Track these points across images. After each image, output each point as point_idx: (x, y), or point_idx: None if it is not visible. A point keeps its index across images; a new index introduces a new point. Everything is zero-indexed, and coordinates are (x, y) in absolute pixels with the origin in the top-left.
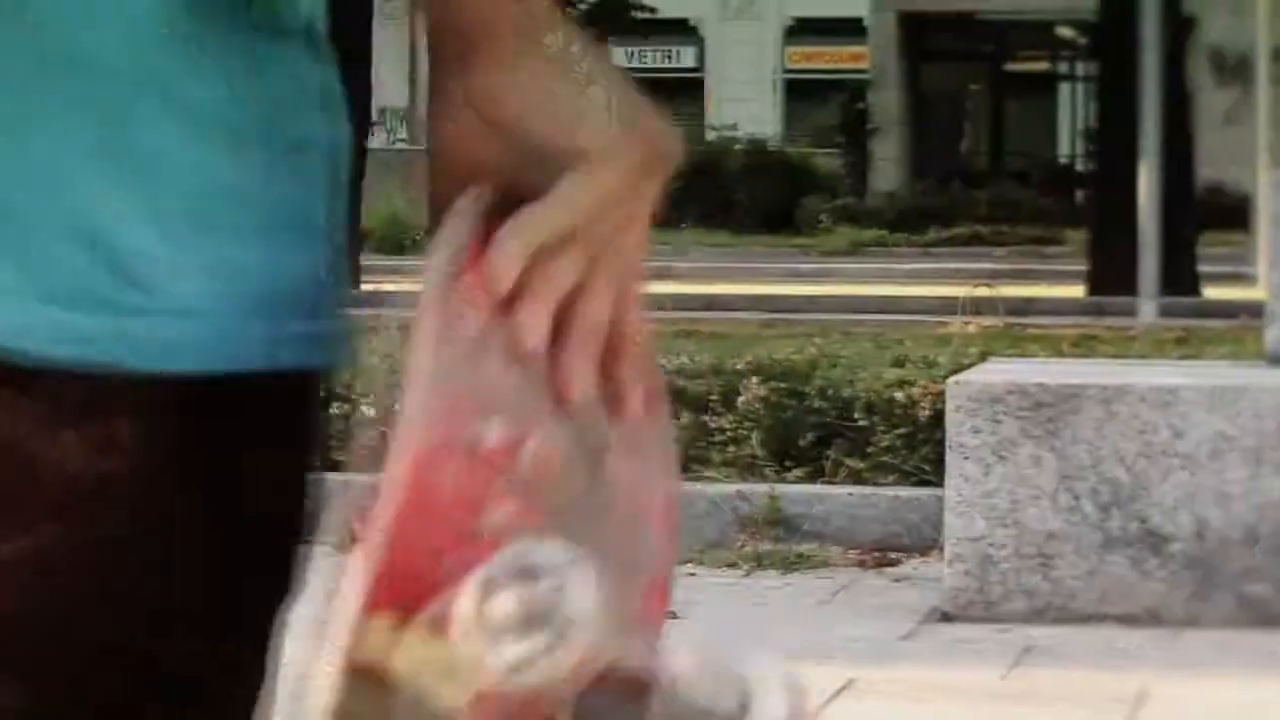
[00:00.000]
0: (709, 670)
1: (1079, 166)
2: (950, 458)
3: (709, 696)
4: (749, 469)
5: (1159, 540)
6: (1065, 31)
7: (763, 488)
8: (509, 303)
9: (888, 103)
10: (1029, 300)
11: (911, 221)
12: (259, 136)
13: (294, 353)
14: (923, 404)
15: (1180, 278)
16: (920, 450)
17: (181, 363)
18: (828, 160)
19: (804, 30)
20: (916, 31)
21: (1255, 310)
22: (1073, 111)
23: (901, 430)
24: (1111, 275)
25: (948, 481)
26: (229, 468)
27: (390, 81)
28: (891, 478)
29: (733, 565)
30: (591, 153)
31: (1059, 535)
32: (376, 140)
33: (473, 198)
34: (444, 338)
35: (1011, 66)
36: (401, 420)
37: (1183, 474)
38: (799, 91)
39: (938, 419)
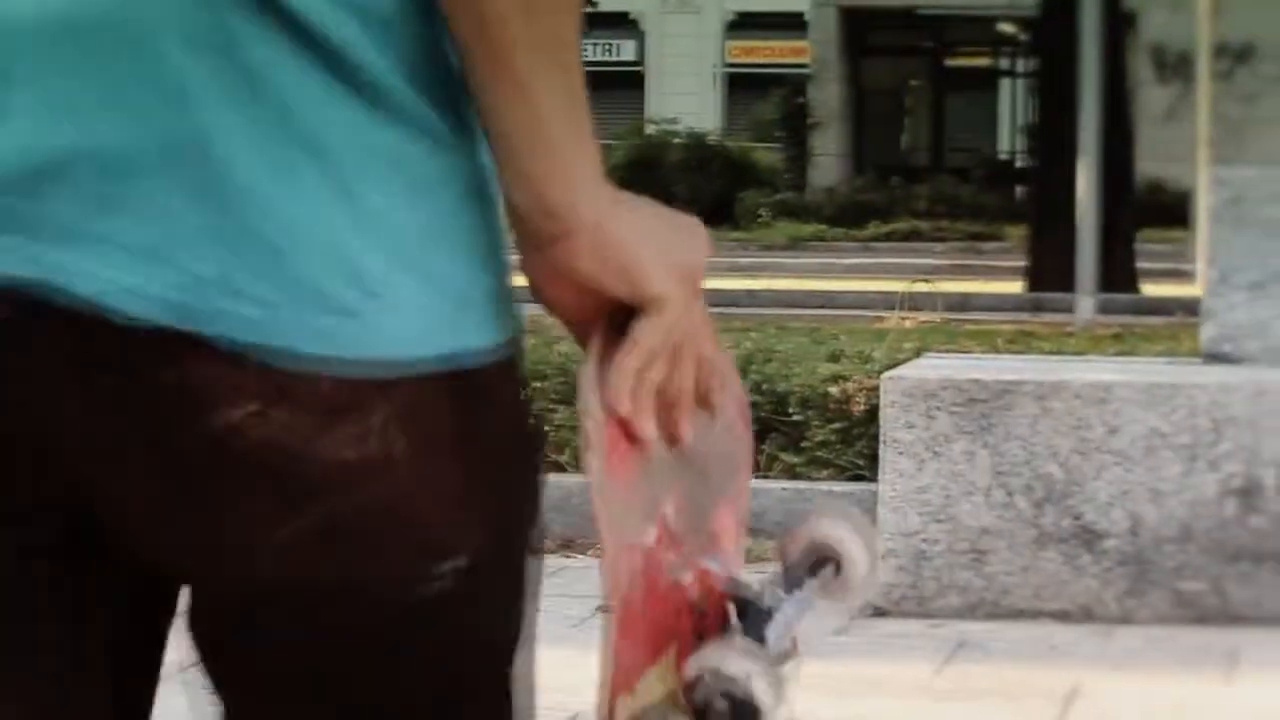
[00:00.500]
0: (804, 543)
1: (1019, 162)
2: (885, 453)
3: (804, 564)
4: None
5: (1093, 536)
6: (1006, 27)
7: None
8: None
9: (828, 97)
10: (967, 296)
11: (851, 216)
12: (452, 185)
13: (478, 352)
14: (858, 399)
15: (1118, 274)
16: (855, 445)
17: (404, 350)
18: (768, 155)
19: (744, 24)
20: (857, 26)
21: (1193, 307)
22: (1013, 107)
23: (836, 425)
24: (1050, 271)
25: (882, 476)
26: (447, 440)
27: None
28: (826, 472)
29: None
30: (660, 298)
31: (993, 531)
32: None
33: (589, 360)
34: (608, 494)
35: (952, 62)
36: (607, 540)
37: (1117, 470)
38: (739, 85)
39: (873, 414)
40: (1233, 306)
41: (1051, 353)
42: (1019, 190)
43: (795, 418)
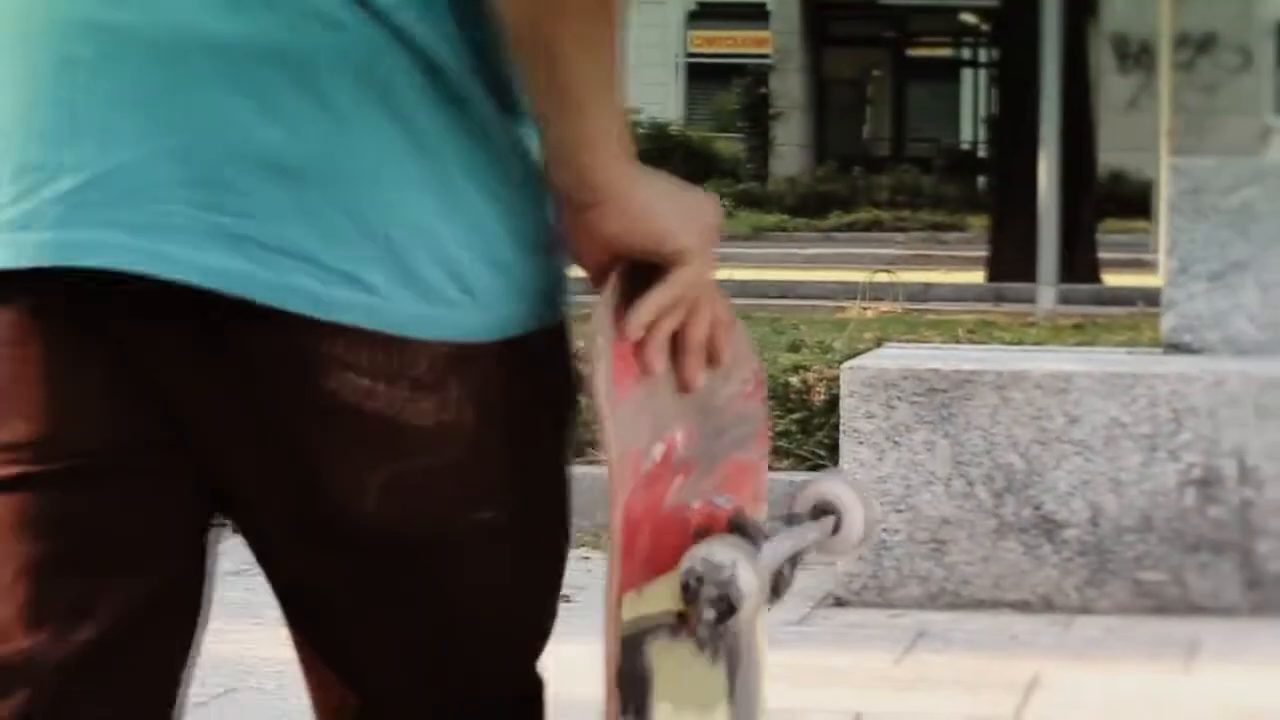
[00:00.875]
0: (809, 497)
1: (981, 152)
2: (845, 443)
3: (821, 529)
4: None
5: (1053, 526)
6: (968, 17)
7: None
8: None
9: (790, 87)
10: (928, 286)
11: (813, 206)
12: (522, 186)
13: (534, 334)
14: (818, 389)
15: (1080, 265)
16: (815, 435)
17: (486, 334)
18: (729, 145)
19: (706, 14)
20: (819, 16)
21: (1154, 298)
22: (975, 97)
23: (796, 415)
24: (1011, 261)
25: (842, 466)
26: (505, 409)
27: None
28: (786, 462)
29: None
30: (682, 253)
31: (953, 521)
32: None
33: (609, 289)
34: (617, 406)
35: (914, 52)
36: (609, 471)
37: (1077, 460)
38: (701, 75)
39: (833, 404)
40: (1192, 297)
41: (1012, 343)
42: (981, 180)
43: None
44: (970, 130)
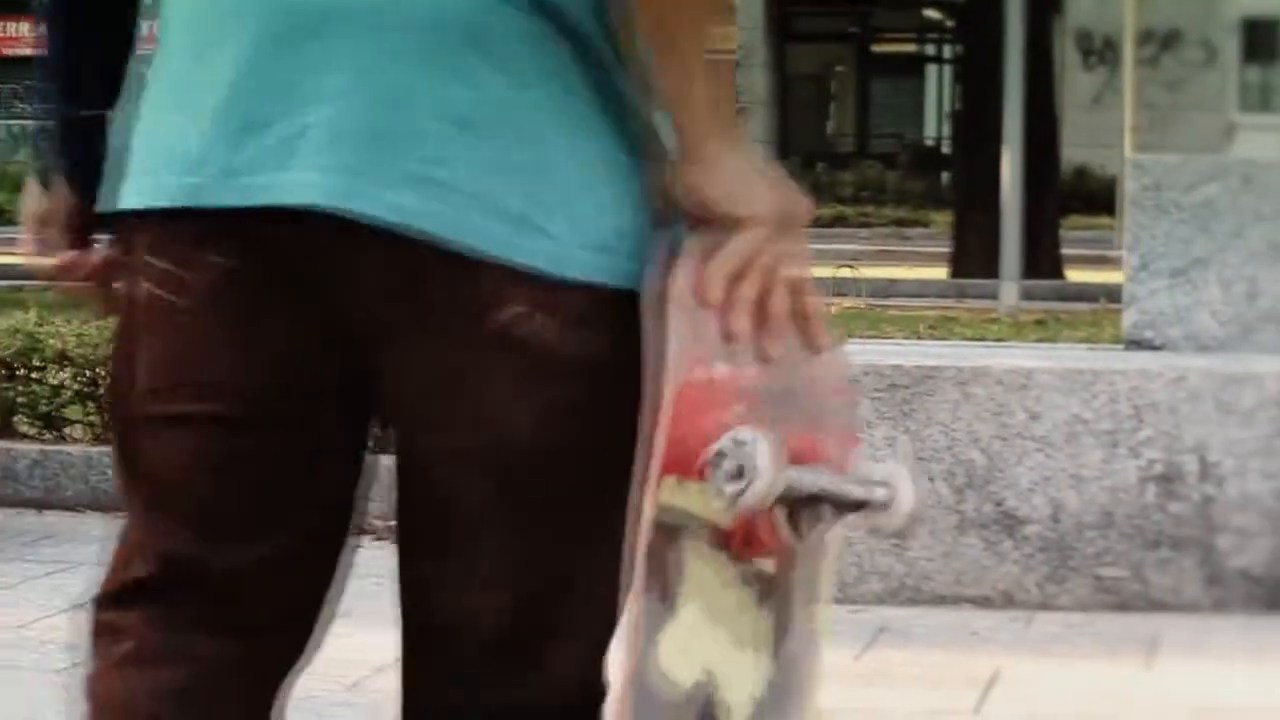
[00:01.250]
0: (864, 475)
1: (945, 149)
2: None
3: (862, 489)
4: None
5: (1014, 522)
6: (932, 13)
7: None
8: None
9: (754, 83)
10: (891, 282)
11: None
12: (625, 144)
13: (641, 289)
14: None
15: (1043, 260)
16: None
17: (631, 282)
18: None
19: None
20: (783, 12)
21: (1116, 294)
22: (939, 93)
23: None
24: (975, 257)
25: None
26: (624, 349)
27: None
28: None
29: None
30: (749, 220)
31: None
32: None
33: (695, 236)
34: (685, 320)
35: (878, 48)
36: (668, 365)
37: (1038, 456)
38: None
39: None
40: (1154, 293)
41: (974, 339)
42: (945, 176)
43: None
44: (934, 126)
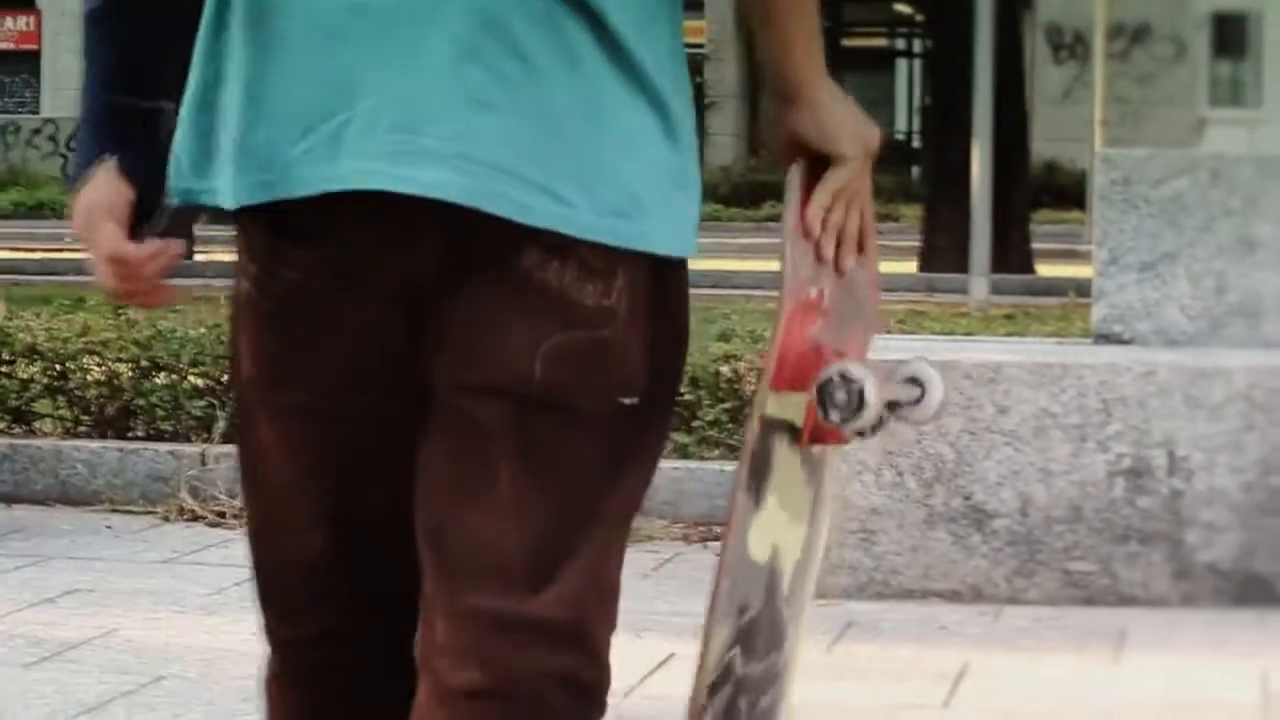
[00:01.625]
0: (903, 371)
1: (915, 143)
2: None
3: (908, 391)
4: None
5: (982, 516)
6: (902, 7)
7: (684, 464)
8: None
9: (724, 77)
10: None
11: (747, 196)
12: (672, 131)
13: (673, 258)
14: (748, 378)
15: (1013, 255)
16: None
17: (645, 246)
18: None
19: None
20: None
21: (1085, 288)
22: (909, 88)
23: (727, 404)
24: (944, 252)
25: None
26: (647, 309)
27: None
28: (717, 452)
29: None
30: (844, 156)
31: (882, 511)
32: None
33: (795, 170)
34: (795, 250)
35: (849, 42)
36: (782, 290)
37: (1006, 450)
38: None
39: None
40: (1123, 287)
41: (942, 333)
42: (915, 171)
43: (686, 397)
44: (904, 121)
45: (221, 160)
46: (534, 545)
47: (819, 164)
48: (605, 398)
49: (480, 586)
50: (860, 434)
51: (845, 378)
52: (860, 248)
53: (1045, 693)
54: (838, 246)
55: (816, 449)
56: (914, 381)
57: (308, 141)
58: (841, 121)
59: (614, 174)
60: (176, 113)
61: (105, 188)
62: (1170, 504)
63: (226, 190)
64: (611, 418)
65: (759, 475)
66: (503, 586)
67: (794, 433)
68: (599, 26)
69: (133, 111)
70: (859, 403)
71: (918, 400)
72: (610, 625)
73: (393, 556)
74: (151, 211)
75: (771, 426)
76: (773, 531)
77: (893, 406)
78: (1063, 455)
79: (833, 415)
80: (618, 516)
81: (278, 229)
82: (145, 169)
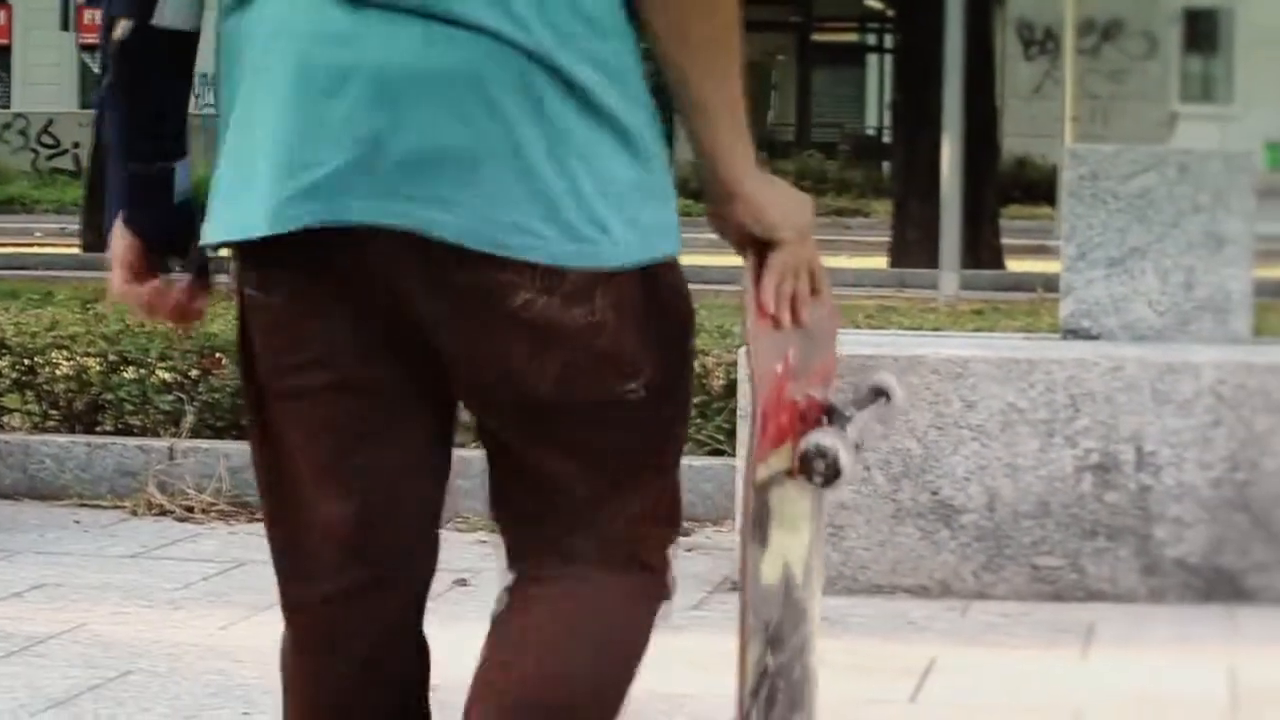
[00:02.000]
0: (868, 384)
1: (886, 138)
2: (743, 428)
3: (868, 397)
4: None
5: (950, 512)
6: (873, 2)
7: None
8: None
9: None
10: (830, 271)
11: None
12: (648, 166)
13: (657, 261)
14: (716, 373)
15: (984, 250)
16: (714, 420)
17: (617, 262)
18: None
19: None
20: None
21: (1054, 284)
22: (880, 83)
23: (695, 399)
24: (914, 247)
25: (740, 451)
26: (638, 313)
27: (199, 47)
28: (685, 447)
29: None
30: (785, 239)
31: (850, 506)
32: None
33: (748, 266)
34: (758, 336)
35: (819, 37)
36: (756, 371)
37: (974, 445)
38: None
39: (731, 388)
40: (1091, 283)
41: (911, 328)
42: (885, 166)
43: None
44: (875, 116)
45: (219, 202)
46: (562, 519)
47: (762, 247)
48: (611, 394)
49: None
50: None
51: (821, 450)
52: (814, 293)
53: (1013, 688)
54: (796, 308)
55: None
56: (878, 392)
57: (308, 182)
58: (776, 209)
59: (578, 203)
60: (179, 166)
61: (119, 241)
62: (1138, 499)
63: (224, 228)
64: (622, 405)
65: (761, 526)
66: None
67: (785, 472)
68: (566, 81)
69: (141, 177)
70: (836, 471)
71: (885, 406)
72: (667, 542)
73: (406, 524)
74: (171, 252)
75: (764, 489)
76: (780, 554)
77: (867, 428)
78: (1030, 450)
79: (816, 480)
80: (659, 469)
81: (276, 250)
82: (153, 221)
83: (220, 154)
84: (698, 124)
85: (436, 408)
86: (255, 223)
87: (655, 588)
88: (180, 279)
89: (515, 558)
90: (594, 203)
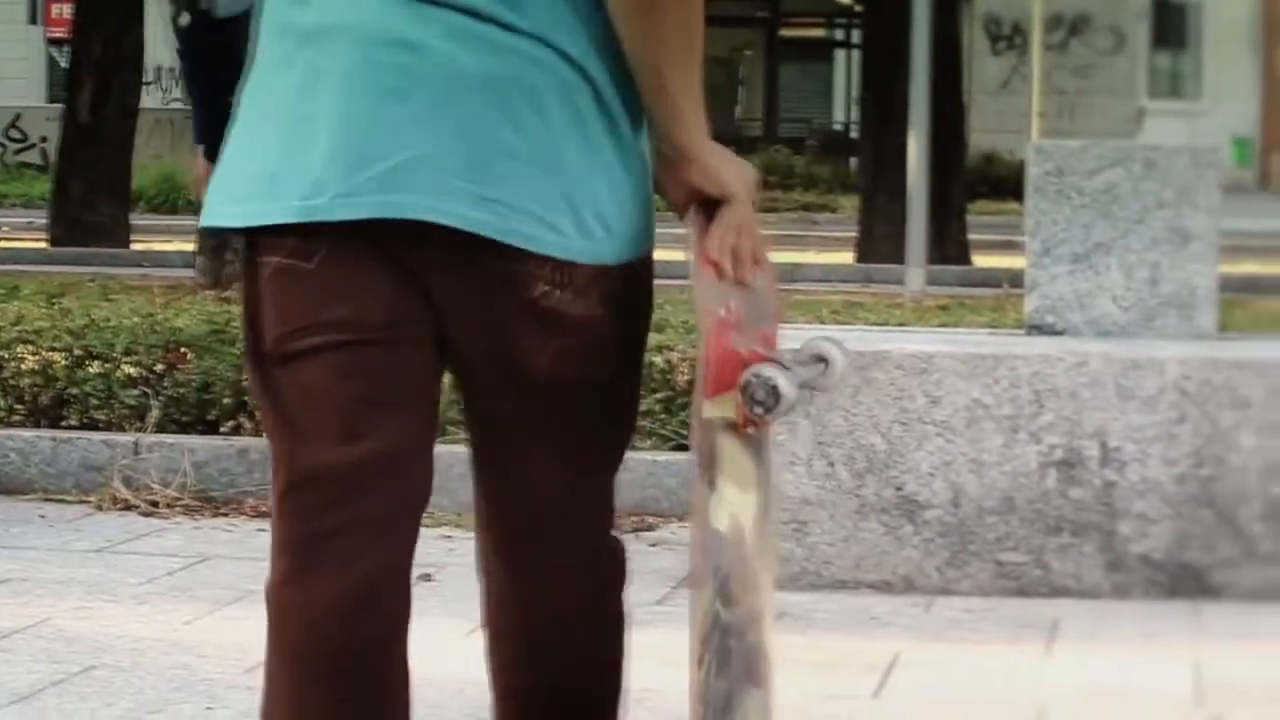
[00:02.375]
0: (807, 349)
1: (853, 133)
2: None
3: (809, 360)
4: None
5: (914, 507)
6: None
7: None
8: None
9: None
10: (797, 266)
11: None
12: (640, 169)
13: (641, 257)
14: (681, 368)
15: (950, 246)
16: (678, 415)
17: (615, 259)
18: None
19: None
20: None
21: (1020, 279)
22: (848, 78)
23: (660, 395)
24: (881, 242)
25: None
26: (624, 302)
27: (166, 41)
28: (649, 442)
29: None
30: (732, 196)
31: (814, 501)
32: (150, 99)
33: (692, 217)
34: (702, 282)
35: (787, 32)
36: (700, 317)
37: (938, 441)
38: None
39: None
40: (1055, 278)
41: (876, 323)
42: (853, 161)
43: None
44: (843, 111)
45: (242, 183)
46: (554, 499)
47: (709, 207)
48: (593, 379)
49: (532, 513)
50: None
51: (760, 377)
52: (756, 262)
53: (977, 684)
54: (739, 265)
55: (752, 430)
56: (818, 358)
57: (360, 177)
58: (730, 171)
59: (594, 204)
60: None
61: (203, 164)
62: (1103, 495)
63: (254, 212)
64: (602, 390)
65: (710, 467)
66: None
67: (732, 425)
68: (597, 94)
69: (217, 114)
70: (776, 396)
71: (823, 373)
72: (611, 517)
73: (408, 471)
74: None
75: (711, 426)
76: (728, 504)
77: (805, 386)
78: (995, 446)
79: (758, 410)
80: (618, 457)
81: (310, 228)
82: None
83: (259, 134)
84: (655, 91)
85: (432, 384)
86: (317, 207)
87: (619, 571)
88: None
89: (490, 551)
90: (604, 204)
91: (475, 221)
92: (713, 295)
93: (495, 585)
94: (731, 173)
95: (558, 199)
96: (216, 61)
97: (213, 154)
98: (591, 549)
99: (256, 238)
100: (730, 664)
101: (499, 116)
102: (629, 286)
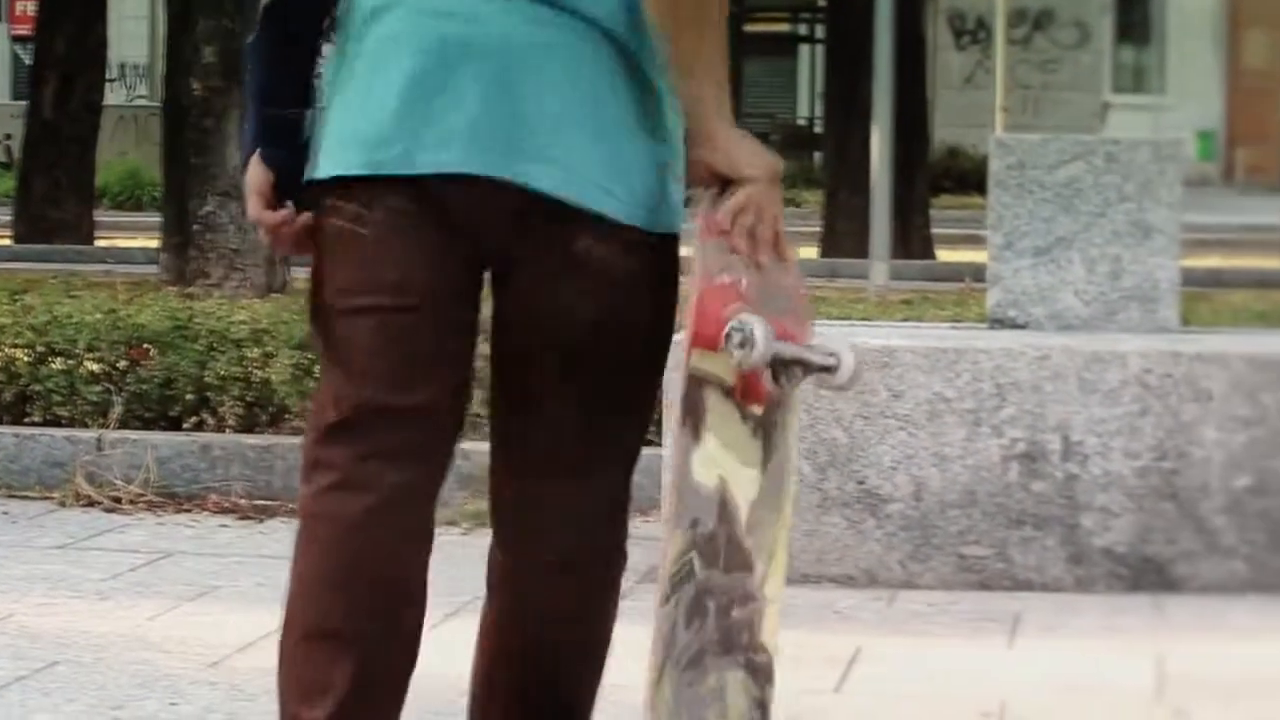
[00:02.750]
0: (820, 348)
1: (818, 128)
2: (668, 417)
3: (820, 357)
4: (471, 426)
5: (876, 501)
6: None
7: (484, 446)
8: (723, 232)
9: None
10: None
11: None
12: (673, 134)
13: (676, 230)
14: None
15: (914, 241)
16: None
17: (660, 229)
18: None
19: None
20: None
21: (983, 273)
22: (812, 73)
23: None
24: (845, 237)
25: (666, 441)
26: (661, 268)
27: (130, 37)
28: None
29: (452, 523)
30: (746, 179)
31: None
32: (115, 96)
33: (706, 195)
34: (705, 245)
35: (751, 28)
36: (695, 274)
37: (901, 435)
38: None
39: None
40: (1018, 272)
41: (839, 318)
42: (817, 156)
43: None
44: (807, 106)
45: (330, 143)
46: (584, 446)
47: (727, 190)
48: (639, 335)
49: (547, 473)
50: (778, 381)
51: (739, 325)
52: (781, 256)
53: (939, 677)
54: (757, 248)
55: (759, 410)
56: (832, 355)
57: (421, 135)
58: (746, 154)
59: (647, 177)
60: (308, 115)
61: (257, 174)
62: (1065, 488)
63: (331, 164)
64: (645, 348)
65: (693, 416)
66: (562, 476)
67: (724, 388)
68: (635, 66)
69: (277, 119)
70: (751, 340)
71: (834, 368)
72: (631, 472)
73: (445, 417)
74: (292, 185)
75: (697, 380)
76: (718, 465)
77: (806, 368)
78: (957, 440)
79: (735, 353)
80: (640, 433)
81: (375, 186)
82: (285, 158)
83: (336, 105)
84: (681, 72)
85: (471, 341)
86: (387, 162)
87: (621, 557)
88: (297, 214)
89: (503, 539)
90: (652, 173)
91: (531, 176)
92: (718, 262)
93: (512, 521)
94: (746, 154)
95: (608, 162)
96: (293, 45)
97: (276, 161)
98: (609, 498)
99: (323, 195)
100: (705, 624)
101: (553, 82)
102: (663, 257)
